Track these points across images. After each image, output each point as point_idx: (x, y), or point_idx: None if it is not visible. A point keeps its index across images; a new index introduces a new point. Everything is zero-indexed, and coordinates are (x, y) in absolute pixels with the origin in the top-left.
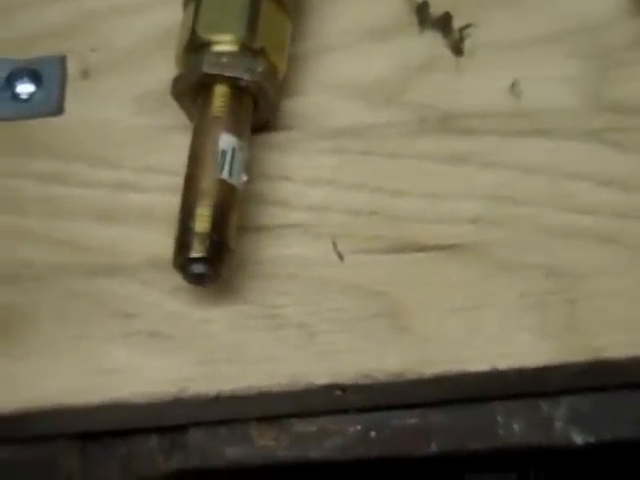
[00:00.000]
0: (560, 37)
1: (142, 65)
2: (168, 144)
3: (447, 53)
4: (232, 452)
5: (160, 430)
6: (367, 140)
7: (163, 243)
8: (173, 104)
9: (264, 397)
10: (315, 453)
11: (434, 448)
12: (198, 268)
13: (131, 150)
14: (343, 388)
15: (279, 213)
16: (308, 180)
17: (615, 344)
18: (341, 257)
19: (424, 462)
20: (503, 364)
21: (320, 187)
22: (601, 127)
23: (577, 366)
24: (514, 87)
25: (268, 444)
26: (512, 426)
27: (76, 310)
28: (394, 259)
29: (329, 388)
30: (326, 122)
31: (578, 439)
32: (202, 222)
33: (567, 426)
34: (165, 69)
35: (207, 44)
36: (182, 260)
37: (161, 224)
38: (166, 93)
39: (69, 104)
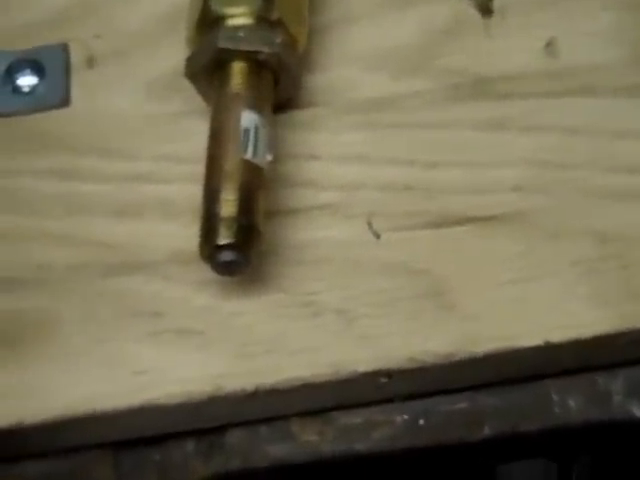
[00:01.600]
0: None
1: (151, 49)
2: (184, 131)
3: (475, 14)
4: (274, 450)
5: (196, 433)
6: (396, 112)
7: (186, 235)
8: (186, 89)
9: (305, 389)
10: (362, 445)
11: (487, 432)
12: (227, 255)
13: (145, 139)
14: (389, 374)
15: (309, 194)
16: (337, 157)
17: None
18: (377, 236)
19: (476, 449)
20: (557, 336)
21: (350, 164)
22: None
23: (636, 333)
24: (549, 46)
25: (311, 439)
26: (568, 403)
27: (100, 312)
28: (433, 234)
29: (374, 375)
30: (352, 96)
31: (639, 413)
32: (228, 206)
33: (626, 399)
34: (176, 52)
35: (221, 18)
36: (209, 249)
37: (183, 215)
38: (178, 77)
39: (75, 95)
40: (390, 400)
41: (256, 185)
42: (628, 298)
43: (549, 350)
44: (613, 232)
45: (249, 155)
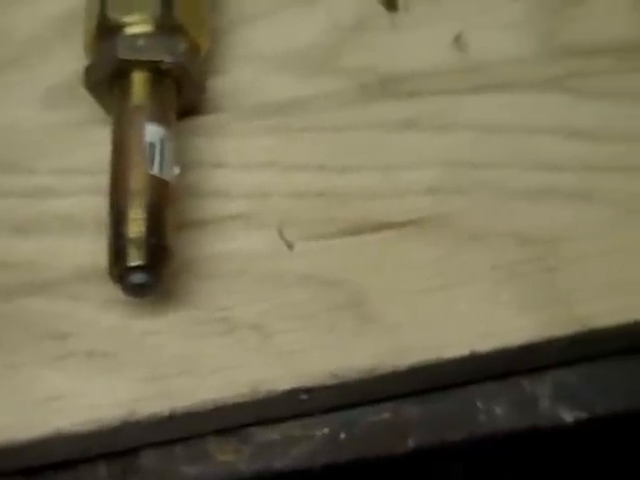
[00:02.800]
0: None
1: (46, 57)
2: (86, 141)
3: (380, 9)
4: (190, 471)
5: (109, 456)
6: (305, 114)
7: (92, 252)
8: (86, 97)
9: (222, 410)
10: (280, 463)
11: (411, 443)
12: (138, 277)
13: (45, 152)
14: (309, 391)
15: (217, 204)
16: (245, 165)
17: (602, 311)
18: (290, 246)
19: (400, 461)
20: (484, 346)
21: (259, 171)
22: (559, 73)
23: (563, 339)
24: (458, 40)
25: (228, 458)
26: (494, 410)
27: (3, 336)
28: (349, 242)
29: (293, 393)
30: (258, 99)
31: (568, 417)
32: (136, 226)
33: (554, 404)
34: (73, 58)
35: (119, 27)
36: (119, 271)
37: (87, 231)
38: (77, 85)
39: None
40: (310, 414)
41: (164, 201)
42: (552, 302)
43: (475, 360)
44: (534, 233)
45: (155, 170)
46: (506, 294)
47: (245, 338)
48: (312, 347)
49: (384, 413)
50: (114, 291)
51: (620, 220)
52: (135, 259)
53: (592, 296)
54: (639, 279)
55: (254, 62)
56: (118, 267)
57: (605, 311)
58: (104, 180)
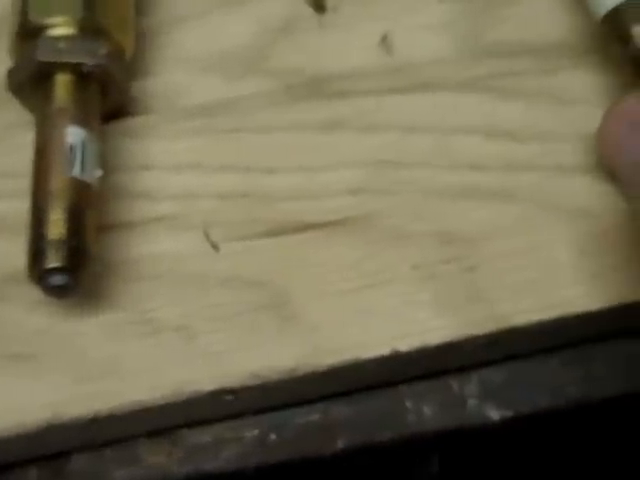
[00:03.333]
0: None
1: None
2: (12, 144)
3: (308, 11)
4: (121, 475)
5: (39, 460)
6: (232, 116)
7: (16, 254)
8: (13, 100)
9: (148, 412)
10: (210, 465)
11: (340, 444)
12: (57, 279)
13: None
14: (233, 392)
15: (144, 206)
16: (172, 167)
17: (521, 310)
18: (215, 247)
19: (330, 461)
20: (404, 345)
21: (185, 173)
22: (482, 74)
23: (483, 338)
24: (384, 41)
25: (159, 461)
26: (422, 410)
27: None
28: (273, 243)
29: (218, 394)
30: (186, 101)
31: (494, 415)
32: (56, 227)
33: (481, 403)
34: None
35: (41, 29)
36: (38, 272)
37: (13, 233)
38: (2, 87)
39: None
40: (240, 415)
41: (85, 203)
42: (472, 301)
43: (397, 359)
44: (457, 233)
45: (76, 172)
46: (426, 293)
47: (169, 340)
48: (235, 348)
49: (314, 414)
50: (39, 293)
51: (539, 219)
52: (54, 261)
53: (511, 295)
54: (557, 277)
55: (183, 64)
56: (37, 268)
57: (524, 309)
58: (28, 183)
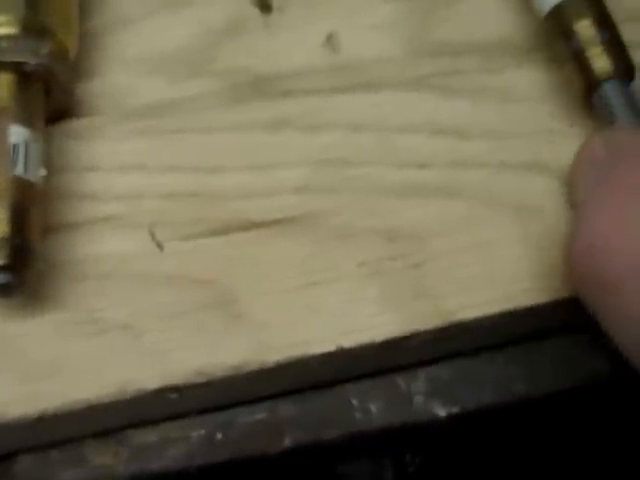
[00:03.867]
0: None
1: None
2: None
3: (254, 12)
4: (67, 476)
5: None
6: (178, 117)
7: None
8: None
9: (94, 411)
10: (156, 465)
11: (288, 443)
12: (0, 278)
13: None
14: (178, 390)
15: (90, 207)
16: (118, 167)
17: (466, 306)
18: (160, 247)
19: (277, 460)
20: (349, 341)
21: (131, 174)
22: (427, 73)
23: (429, 333)
24: (330, 40)
25: (106, 461)
26: (369, 408)
27: None
28: (219, 242)
29: (162, 392)
30: (132, 102)
31: (441, 412)
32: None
33: (428, 400)
34: None
35: None
36: None
37: None
38: None
39: None
40: (186, 415)
41: (29, 202)
42: (418, 297)
43: (342, 356)
44: (400, 230)
45: (19, 171)
46: (372, 290)
47: (115, 339)
48: (180, 346)
49: (260, 413)
50: None
51: (484, 215)
52: None
53: (457, 290)
54: (503, 273)
55: (129, 65)
56: None
57: (469, 305)
58: None
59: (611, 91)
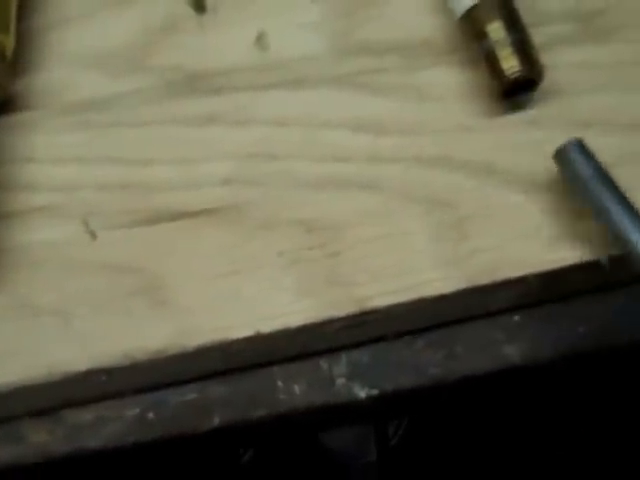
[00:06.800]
0: None
1: None
2: None
3: (190, 12)
4: (3, 453)
5: None
6: (114, 111)
7: None
8: None
9: (29, 391)
10: (92, 443)
11: (216, 422)
12: None
13: None
14: (107, 372)
15: (25, 197)
16: (54, 159)
17: (379, 293)
18: (93, 236)
19: (207, 438)
20: (266, 326)
21: (67, 165)
22: (351, 71)
23: (343, 320)
24: (260, 39)
25: (42, 440)
26: (293, 389)
27: None
28: (148, 231)
29: (92, 373)
30: (69, 97)
31: (361, 394)
32: None
33: (349, 382)
34: None
35: None
36: None
37: None
38: None
39: None
40: (121, 395)
41: None
42: (334, 285)
43: (261, 340)
44: (319, 221)
45: None
46: (290, 279)
47: (46, 323)
48: (109, 330)
49: (191, 394)
50: None
51: (399, 207)
52: None
53: (371, 279)
54: (415, 262)
55: (67, 61)
56: None
57: (383, 292)
58: None
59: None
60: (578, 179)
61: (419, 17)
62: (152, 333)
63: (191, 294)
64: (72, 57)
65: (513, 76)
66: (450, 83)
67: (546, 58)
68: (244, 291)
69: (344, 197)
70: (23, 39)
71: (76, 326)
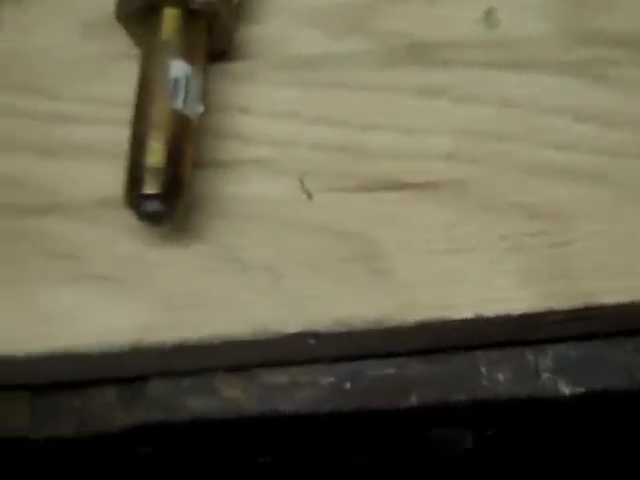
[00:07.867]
0: None
1: None
2: (117, 73)
3: None
4: (196, 404)
5: (118, 381)
6: (332, 71)
7: (110, 180)
8: (121, 29)
9: (230, 346)
10: (285, 406)
11: (414, 400)
12: (152, 206)
13: (74, 80)
14: (317, 336)
15: (239, 148)
16: (269, 113)
17: (604, 290)
18: (310, 195)
19: (401, 416)
20: (487, 311)
21: (282, 121)
22: (579, 59)
23: (563, 313)
24: (489, 16)
25: (234, 396)
26: (497, 377)
27: (10, 252)
28: (366, 198)
29: (301, 336)
30: (288, 51)
31: (565, 390)
32: (155, 156)
33: (554, 377)
34: None
35: None
36: (134, 197)
37: (108, 159)
38: (112, 17)
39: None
40: (317, 361)
41: (185, 136)
42: (552, 277)
43: (480, 324)
44: (541, 208)
45: (179, 105)
46: (512, 264)
47: (256, 279)
48: (322, 294)
49: (389, 368)
50: (128, 220)
51: (626, 203)
52: (151, 187)
53: (595, 274)
54: None
55: (288, 15)
56: (134, 194)
57: (607, 289)
58: (128, 113)
59: None
60: None
61: None
62: (370, 303)
63: (410, 267)
64: (293, 11)
65: None
66: None
67: None
68: (465, 272)
69: (566, 186)
70: None
71: (287, 285)
